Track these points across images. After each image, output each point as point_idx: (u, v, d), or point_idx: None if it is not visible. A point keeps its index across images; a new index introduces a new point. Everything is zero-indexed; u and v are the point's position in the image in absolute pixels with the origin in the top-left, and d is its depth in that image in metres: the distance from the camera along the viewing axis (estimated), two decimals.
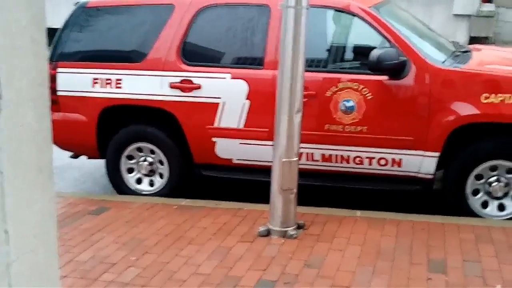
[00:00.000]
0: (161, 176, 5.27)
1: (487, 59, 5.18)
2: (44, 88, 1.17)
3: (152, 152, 5.24)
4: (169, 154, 5.19)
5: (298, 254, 3.78)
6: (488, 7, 16.64)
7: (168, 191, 5.21)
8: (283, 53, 3.99)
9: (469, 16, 16.53)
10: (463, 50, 5.20)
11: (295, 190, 4.12)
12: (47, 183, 1.21)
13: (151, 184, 5.31)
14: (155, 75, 5.06)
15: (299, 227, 4.19)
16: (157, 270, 3.62)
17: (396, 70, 4.46)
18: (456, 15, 16.57)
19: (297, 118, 4.04)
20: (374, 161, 4.63)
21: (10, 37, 1.06)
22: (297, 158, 4.09)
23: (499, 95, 4.27)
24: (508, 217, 4.41)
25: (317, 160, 4.76)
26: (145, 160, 5.28)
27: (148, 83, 5.08)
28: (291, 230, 4.09)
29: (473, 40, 15.88)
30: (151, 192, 5.29)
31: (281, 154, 4.06)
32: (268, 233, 4.12)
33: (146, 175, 5.31)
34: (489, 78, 4.41)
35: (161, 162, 5.24)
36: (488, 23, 16.50)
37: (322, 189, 4.97)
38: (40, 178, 1.19)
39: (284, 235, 4.08)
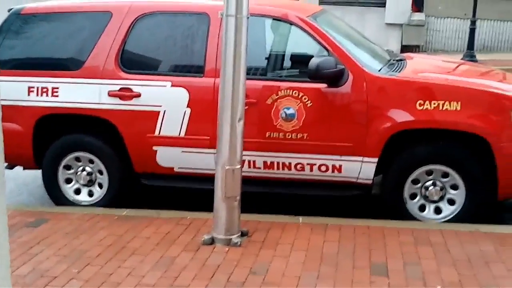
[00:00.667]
0: (100, 186, 5.17)
1: (420, 67, 5.37)
2: None
3: (91, 161, 5.14)
4: (108, 163, 5.10)
5: (243, 261, 3.80)
6: (418, 17, 17.23)
7: (108, 202, 5.11)
8: (224, 61, 4.00)
9: (400, 25, 17.06)
10: (397, 58, 5.37)
11: (238, 198, 4.13)
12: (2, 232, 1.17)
13: (90, 194, 5.20)
14: (93, 83, 4.97)
15: (243, 234, 4.20)
16: (100, 282, 3.55)
17: (335, 78, 4.55)
18: (388, 24, 17.07)
19: (239, 126, 4.06)
20: (315, 168, 4.70)
21: None
22: (240, 166, 4.11)
23: (433, 102, 4.43)
24: (444, 219, 4.57)
25: (259, 168, 4.79)
26: (83, 170, 5.16)
27: (86, 91, 4.98)
28: (235, 238, 4.10)
29: (405, 48, 16.41)
30: (91, 202, 5.17)
31: (224, 161, 4.07)
32: (212, 242, 4.11)
33: (84, 185, 5.19)
34: (423, 85, 4.58)
35: (100, 172, 5.14)
36: (419, 32, 17.07)
37: (264, 196, 5.00)
38: None
39: (228, 243, 4.08)
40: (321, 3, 16.58)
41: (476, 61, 13.49)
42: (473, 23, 14.58)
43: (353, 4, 17.32)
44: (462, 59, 13.64)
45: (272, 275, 3.58)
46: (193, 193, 5.14)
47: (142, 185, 5.13)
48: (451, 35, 17.24)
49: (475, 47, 14.71)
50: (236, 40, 3.94)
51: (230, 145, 4.05)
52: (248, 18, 3.98)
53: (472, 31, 14.53)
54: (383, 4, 17.23)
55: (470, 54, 14.24)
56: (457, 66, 5.93)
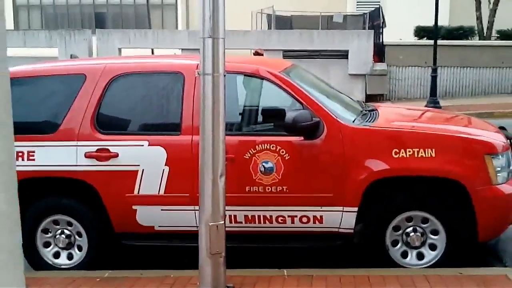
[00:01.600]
0: (79, 248, 5.09)
1: (392, 116, 5.52)
2: (13, 171, 1.15)
3: (70, 224, 5.07)
4: (87, 225, 5.04)
5: None
6: (380, 66, 17.77)
7: (88, 264, 5.03)
8: (203, 119, 4.05)
9: (363, 75, 17.55)
10: (369, 109, 5.51)
11: (223, 254, 4.11)
12: (17, 264, 1.17)
13: (70, 257, 5.11)
14: (69, 145, 4.95)
15: None
16: None
17: (311, 131, 4.64)
18: (352, 75, 17.55)
19: (221, 182, 4.08)
20: (296, 219, 4.73)
21: None
22: (223, 221, 4.11)
23: (408, 149, 4.54)
24: (427, 265, 4.62)
25: (240, 222, 4.80)
26: (62, 233, 5.08)
27: (62, 153, 4.95)
28: None
29: (369, 97, 16.85)
30: (70, 265, 5.08)
31: (208, 218, 4.06)
32: None
33: (63, 248, 5.11)
34: (398, 134, 4.70)
35: (79, 234, 5.07)
36: (382, 81, 17.59)
37: (246, 250, 4.98)
38: (11, 260, 1.15)
39: None
40: (285, 56, 17.01)
41: (439, 107, 13.93)
42: (434, 70, 15.10)
43: (316, 57, 17.80)
44: (426, 105, 14.06)
45: None
46: (174, 250, 5.10)
47: (122, 245, 5.06)
48: (413, 83, 17.79)
49: (437, 94, 15.19)
50: (214, 98, 4.01)
51: (213, 201, 4.06)
52: (225, 76, 4.06)
53: (433, 79, 15.04)
54: (345, 56, 17.75)
55: (433, 100, 14.70)
56: (427, 114, 6.11)
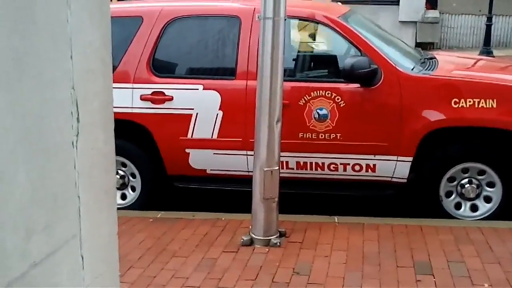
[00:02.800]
0: (133, 189, 5.21)
1: (452, 65, 5.37)
2: (111, 110, 1.17)
3: (124, 165, 5.17)
4: (141, 166, 5.13)
5: (285, 262, 3.82)
6: (433, 14, 17.20)
7: (141, 204, 5.15)
8: (262, 64, 4.03)
9: (414, 22, 17.04)
10: (428, 57, 5.37)
11: (276, 199, 4.15)
12: (112, 204, 1.20)
13: (123, 197, 5.23)
14: (125, 88, 5.00)
15: (281, 235, 4.22)
16: (145, 285, 3.58)
17: (368, 78, 4.56)
18: (402, 22, 17.06)
19: (277, 128, 4.08)
20: (348, 167, 4.72)
21: (85, 59, 1.05)
22: (278, 167, 4.13)
23: (469, 100, 4.43)
24: (481, 217, 4.58)
25: (292, 168, 4.81)
26: (116, 173, 5.19)
27: (118, 96, 4.97)
28: (274, 239, 4.12)
29: (420, 45, 16.38)
30: (124, 205, 5.20)
31: (262, 163, 4.09)
32: (251, 242, 4.14)
33: (117, 188, 5.23)
34: (458, 83, 4.58)
35: (133, 175, 5.18)
36: (433, 29, 17.06)
37: (297, 196, 5.01)
38: (106, 200, 1.18)
39: (267, 243, 4.10)
40: (334, 1, 16.62)
41: (493, 56, 13.48)
42: (489, 19, 14.56)
43: (366, 3, 17.31)
44: (479, 55, 13.62)
45: (316, 276, 3.60)
46: (225, 194, 5.17)
47: (175, 187, 5.16)
48: (466, 32, 17.20)
49: (491, 43, 14.69)
50: (273, 43, 3.97)
51: (268, 147, 4.07)
52: (285, 20, 4.00)
53: (488, 27, 14.51)
54: (396, 2, 17.22)
55: (486, 50, 14.23)
56: (487, 63, 5.94)
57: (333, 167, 4.75)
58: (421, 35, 17.00)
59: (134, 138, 5.12)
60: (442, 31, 17.29)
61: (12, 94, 0.85)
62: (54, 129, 0.97)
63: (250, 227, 4.23)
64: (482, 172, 4.56)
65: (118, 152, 4.83)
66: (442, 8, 17.37)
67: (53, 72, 0.96)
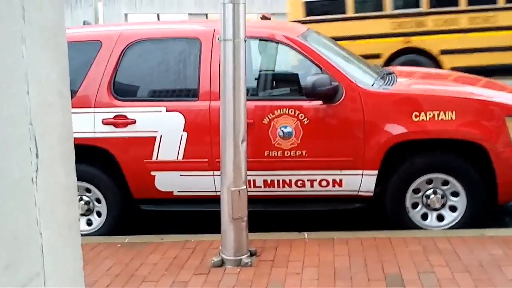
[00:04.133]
0: (99, 214, 5.13)
1: (410, 80, 5.47)
2: (70, 143, 1.15)
3: (88, 190, 5.09)
4: (106, 191, 5.07)
5: (257, 281, 3.79)
6: None
7: (107, 229, 5.07)
8: (224, 85, 4.03)
9: None
10: (386, 72, 5.45)
11: (245, 218, 4.14)
12: (76, 238, 1.18)
13: (89, 223, 5.15)
14: (86, 112, 4.94)
15: (252, 254, 4.20)
16: None
17: (330, 95, 4.61)
18: None
19: (243, 147, 4.08)
20: (315, 183, 4.74)
21: (42, 94, 1.03)
22: (245, 186, 4.12)
23: (429, 112, 4.51)
24: (447, 226, 4.64)
25: (259, 186, 4.81)
26: (81, 200, 5.11)
27: (79, 121, 4.93)
28: (245, 258, 4.10)
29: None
30: (90, 231, 5.12)
31: (229, 183, 4.08)
32: (222, 263, 4.10)
33: (83, 214, 5.14)
34: (418, 97, 4.66)
35: (98, 200, 5.10)
36: None
37: (265, 214, 5.01)
38: (70, 235, 1.15)
39: (238, 263, 4.07)
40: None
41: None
42: None
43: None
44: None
45: None
46: (194, 215, 5.14)
47: (141, 210, 5.10)
48: None
49: None
50: (235, 64, 3.98)
51: (235, 166, 4.06)
52: (245, 41, 4.02)
53: None
54: None
55: None
56: (445, 75, 6.06)
57: (300, 184, 4.76)
58: None
59: (98, 163, 5.06)
60: None
61: None
62: (13, 167, 0.95)
63: (220, 247, 4.20)
64: (446, 183, 4.63)
65: (82, 177, 4.79)
66: None
67: (11, 109, 0.94)
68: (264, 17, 14.86)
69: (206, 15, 17.75)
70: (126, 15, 18.63)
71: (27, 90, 0.97)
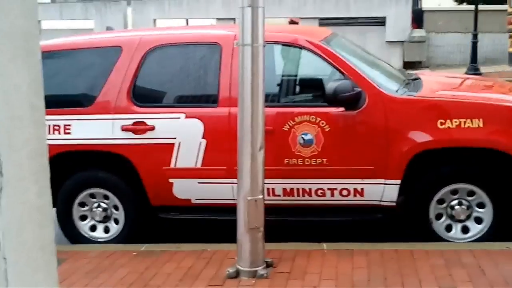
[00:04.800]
0: (116, 222, 5.08)
1: (436, 85, 5.30)
2: (44, 159, 1.06)
3: (106, 197, 5.05)
4: (123, 198, 5.01)
5: None
6: (419, 33, 17.29)
7: (125, 237, 5.02)
8: (242, 91, 3.94)
9: (401, 42, 17.12)
10: (412, 77, 5.30)
11: (262, 228, 4.03)
12: (50, 262, 1.09)
13: (106, 230, 5.10)
14: (106, 119, 4.91)
15: (268, 265, 4.09)
16: None
17: (352, 102, 4.48)
18: (389, 42, 17.13)
19: (260, 156, 3.98)
20: (336, 192, 4.61)
21: (9, 106, 0.95)
22: (262, 196, 4.02)
23: (455, 120, 4.35)
24: (472, 239, 4.47)
25: (278, 195, 4.70)
26: (98, 206, 5.07)
27: (98, 127, 4.91)
28: (260, 270, 3.99)
29: (407, 64, 16.44)
30: (107, 239, 5.08)
31: (246, 192, 3.98)
32: (237, 274, 4.00)
33: (100, 221, 5.10)
34: (443, 104, 4.50)
35: (115, 208, 5.06)
36: (420, 48, 17.12)
37: (285, 224, 4.89)
38: (42, 258, 1.07)
39: (254, 275, 3.97)
40: (321, 24, 16.69)
41: (480, 74, 13.51)
42: (475, 36, 14.62)
43: (353, 25, 17.42)
44: (466, 73, 13.65)
45: None
46: (211, 224, 5.05)
47: (159, 218, 5.03)
48: (453, 49, 17.29)
49: (477, 61, 14.73)
50: (253, 70, 3.88)
51: (252, 175, 3.96)
52: (264, 46, 3.92)
53: (474, 45, 14.56)
54: (383, 23, 17.33)
55: (473, 67, 14.27)
56: (470, 82, 5.88)
57: (321, 193, 4.65)
58: (408, 54, 17.07)
59: (116, 170, 5.01)
60: (429, 49, 17.37)
61: None
62: None
63: (236, 258, 4.10)
64: (471, 193, 4.46)
65: (100, 184, 4.74)
66: (428, 27, 17.48)
67: None
68: (292, 22, 14.77)
69: (234, 19, 17.70)
70: (155, 20, 18.69)
71: None
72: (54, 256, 1.14)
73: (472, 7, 15.31)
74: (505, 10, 16.48)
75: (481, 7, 15.49)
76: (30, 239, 1.04)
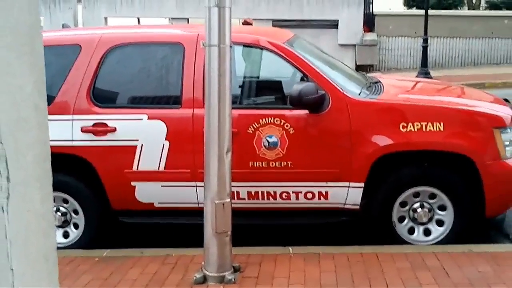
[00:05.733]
0: (76, 226, 4.93)
1: (397, 89, 5.38)
2: (47, 164, 1.00)
3: (65, 201, 4.90)
4: (83, 202, 4.88)
5: None
6: (370, 37, 17.56)
7: (85, 242, 4.88)
8: (209, 92, 3.88)
9: (353, 45, 17.36)
10: (373, 81, 5.36)
11: (229, 232, 3.99)
12: (52, 270, 1.03)
13: (66, 235, 4.95)
14: (65, 120, 4.76)
15: (235, 270, 4.05)
16: None
17: (317, 104, 4.48)
18: (342, 45, 17.34)
19: (227, 158, 3.93)
20: (301, 195, 4.61)
21: (15, 107, 0.89)
22: (229, 199, 3.97)
23: (416, 123, 4.41)
24: (435, 241, 4.54)
25: (243, 198, 4.66)
26: (57, 210, 4.91)
27: (57, 128, 4.74)
28: (228, 275, 3.95)
29: (360, 67, 16.68)
30: (66, 244, 4.92)
31: (213, 196, 3.92)
32: (204, 280, 3.95)
33: (59, 226, 4.94)
34: (405, 107, 4.56)
35: (75, 212, 4.91)
36: (372, 52, 17.41)
37: (250, 227, 4.86)
38: (46, 267, 1.01)
39: (221, 280, 3.92)
40: (274, 26, 16.74)
41: (430, 77, 13.82)
42: (425, 41, 14.95)
43: (306, 27, 17.53)
44: (417, 76, 13.94)
45: None
46: (175, 228, 4.97)
47: (121, 223, 4.91)
48: (403, 53, 17.65)
49: (428, 64, 15.08)
50: (220, 71, 3.83)
51: (219, 178, 3.91)
52: (231, 47, 3.88)
53: (424, 49, 14.90)
54: (335, 26, 17.52)
55: (424, 71, 14.59)
56: (432, 86, 6.00)
57: (285, 196, 4.63)
58: (360, 58, 17.32)
59: (76, 172, 4.87)
60: (380, 53, 17.68)
61: None
62: None
63: (203, 263, 4.04)
64: (433, 196, 4.54)
65: (59, 187, 4.56)
66: (379, 31, 17.79)
67: None
68: (246, 23, 14.74)
69: (188, 19, 17.55)
70: (106, 18, 18.36)
71: None
72: (56, 265, 1.08)
73: (422, 11, 15.68)
74: (452, 16, 16.95)
75: (430, 12, 15.86)
76: (35, 248, 0.98)
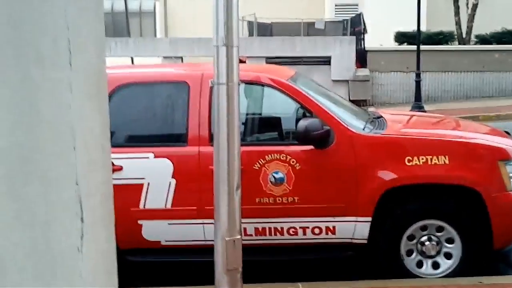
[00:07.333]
0: None
1: (400, 124, 5.44)
2: (111, 203, 1.03)
3: None
4: None
5: None
6: (363, 72, 17.77)
7: None
8: (218, 130, 3.91)
9: (346, 81, 17.54)
10: (375, 116, 5.43)
11: (240, 269, 3.97)
12: None
13: None
14: None
15: None
16: None
17: (322, 140, 4.53)
18: (335, 81, 17.52)
19: (237, 195, 3.94)
20: (308, 231, 4.62)
21: (87, 149, 0.91)
22: (240, 236, 3.97)
23: (422, 157, 4.46)
24: (443, 274, 4.54)
25: (250, 235, 4.66)
26: None
27: None
28: None
29: (353, 102, 16.81)
30: None
31: (224, 233, 3.92)
32: None
33: None
34: (410, 141, 4.62)
35: None
36: (365, 87, 17.59)
37: (257, 263, 4.84)
38: None
39: None
40: (268, 63, 16.93)
41: (425, 111, 13.96)
42: (418, 75, 15.14)
43: (298, 64, 17.72)
44: (411, 110, 14.07)
45: None
46: (182, 266, 4.94)
47: (128, 261, 4.88)
48: (396, 88, 17.84)
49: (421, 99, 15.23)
50: (229, 108, 3.87)
51: (229, 215, 3.91)
52: (239, 84, 3.94)
53: (417, 84, 15.07)
54: (328, 62, 17.72)
55: (418, 105, 14.73)
56: (433, 119, 6.08)
57: (293, 231, 4.64)
58: (353, 93, 17.48)
59: None
60: (373, 88, 17.86)
61: (19, 202, 0.70)
62: (60, 235, 0.82)
63: None
64: (440, 229, 4.56)
65: None
66: (371, 66, 18.01)
67: (57, 168, 0.82)
68: (239, 61, 14.88)
69: (181, 58, 17.72)
70: None
71: (74, 146, 0.86)
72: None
73: (413, 47, 15.91)
74: (444, 50, 17.21)
75: (422, 47, 16.11)
76: (101, 286, 0.99)
